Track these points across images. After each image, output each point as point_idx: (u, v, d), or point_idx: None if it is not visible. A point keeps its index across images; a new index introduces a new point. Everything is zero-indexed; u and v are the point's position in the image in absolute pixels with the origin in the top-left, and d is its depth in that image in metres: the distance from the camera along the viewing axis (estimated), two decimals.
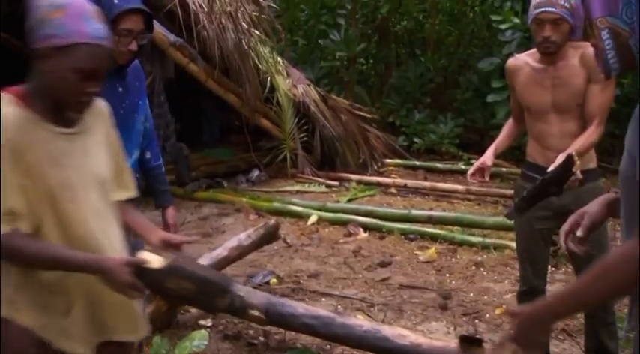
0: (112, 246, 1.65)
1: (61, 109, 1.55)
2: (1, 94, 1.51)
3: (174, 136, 6.49)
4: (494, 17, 7.68)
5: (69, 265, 1.52)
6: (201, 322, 3.43)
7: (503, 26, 7.35)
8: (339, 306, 3.75)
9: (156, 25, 5.99)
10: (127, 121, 2.22)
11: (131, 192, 1.82)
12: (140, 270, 1.52)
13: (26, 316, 1.56)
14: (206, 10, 6.24)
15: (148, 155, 2.43)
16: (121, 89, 2.21)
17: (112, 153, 1.74)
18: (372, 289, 4.01)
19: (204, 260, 3.63)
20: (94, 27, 1.48)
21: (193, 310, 3.54)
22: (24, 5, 1.58)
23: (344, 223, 5.43)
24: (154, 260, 1.57)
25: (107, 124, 1.76)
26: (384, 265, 4.43)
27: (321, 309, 3.08)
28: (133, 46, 2.12)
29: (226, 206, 6.16)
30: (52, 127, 1.54)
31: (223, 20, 6.30)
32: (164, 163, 6.57)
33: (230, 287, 2.02)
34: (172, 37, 6.08)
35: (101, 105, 1.76)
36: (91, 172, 1.63)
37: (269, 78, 6.97)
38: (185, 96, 7.61)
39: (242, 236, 3.91)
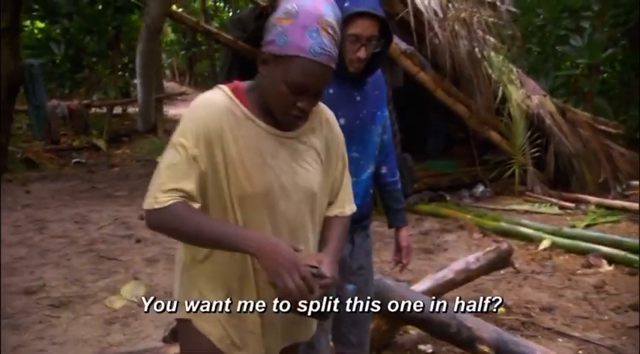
0: None
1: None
2: (219, 86, 1.49)
3: (400, 146, 6.40)
4: None
5: (230, 239, 1.37)
6: (421, 346, 3.23)
7: None
8: (580, 351, 3.24)
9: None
10: (363, 132, 2.10)
11: (343, 210, 1.69)
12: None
13: (207, 322, 1.52)
14: (439, 16, 6.05)
15: (383, 170, 2.27)
16: (358, 98, 2.08)
17: (330, 165, 1.62)
18: (623, 337, 3.40)
19: (428, 282, 3.43)
20: (316, 41, 1.37)
21: (413, 332, 3.36)
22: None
23: (583, 252, 4.79)
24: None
25: (330, 136, 1.63)
26: (636, 308, 3.76)
27: None
28: (362, 53, 1.95)
29: (449, 221, 5.90)
30: (263, 124, 1.48)
31: (457, 27, 6.05)
32: None
33: None
34: (403, 45, 6.01)
35: (327, 114, 1.65)
36: (296, 180, 1.50)
37: (501, 88, 6.52)
38: (412, 105, 7.52)
39: (470, 259, 3.62)
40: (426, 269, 4.54)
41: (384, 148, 2.23)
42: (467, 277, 3.57)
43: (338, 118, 1.97)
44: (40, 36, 13.27)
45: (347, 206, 1.71)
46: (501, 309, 3.73)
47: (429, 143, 8.15)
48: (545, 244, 5.00)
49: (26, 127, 10.74)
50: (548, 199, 6.50)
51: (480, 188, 6.90)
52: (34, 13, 12.43)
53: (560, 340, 3.38)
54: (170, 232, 1.42)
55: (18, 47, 8.61)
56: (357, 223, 2.16)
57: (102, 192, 7.66)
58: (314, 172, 1.55)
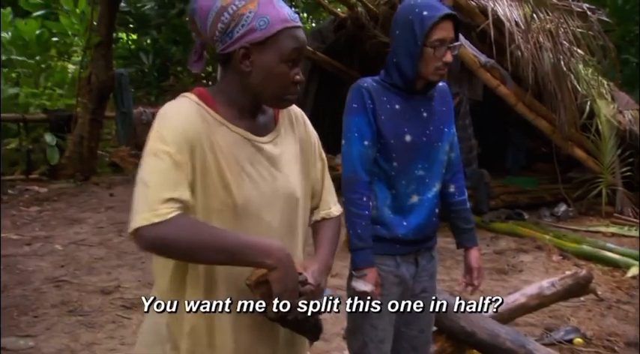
0: None
1: (252, 114, 1.42)
2: (183, 94, 1.39)
3: (477, 161, 6.20)
4: None
5: (252, 252, 1.27)
6: None
7: None
8: None
9: (467, 44, 5.87)
10: (430, 149, 2.02)
11: (329, 211, 1.61)
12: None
13: None
14: (522, 28, 5.81)
15: (451, 189, 2.17)
16: (425, 114, 2.02)
17: (308, 166, 1.54)
18: None
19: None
20: (286, 8, 1.36)
21: None
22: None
23: None
24: None
25: (304, 135, 1.56)
26: None
27: None
28: (448, 57, 1.91)
29: (526, 241, 5.62)
30: (240, 130, 1.38)
31: (541, 39, 5.79)
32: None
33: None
34: (483, 58, 5.82)
35: (296, 111, 1.58)
36: (277, 187, 1.41)
37: (589, 102, 6.17)
38: (491, 119, 7.28)
39: (545, 284, 3.41)
40: (498, 290, 4.34)
41: (451, 166, 2.15)
42: (540, 302, 3.36)
43: (404, 134, 1.98)
44: (132, 46, 13.98)
45: (333, 207, 1.63)
46: (579, 339, 3.48)
47: (509, 159, 7.84)
48: (633, 271, 4.64)
49: (114, 132, 11.30)
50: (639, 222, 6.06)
51: (562, 207, 6.54)
52: (129, 26, 13.11)
53: None
54: (174, 248, 1.26)
55: (111, 58, 9.16)
56: (421, 244, 2.11)
57: None
58: (294, 176, 1.48)
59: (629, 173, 6.41)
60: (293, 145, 1.51)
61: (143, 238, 1.25)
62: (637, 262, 4.73)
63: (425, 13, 1.88)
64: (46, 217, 6.48)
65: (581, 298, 4.10)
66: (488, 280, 4.73)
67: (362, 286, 1.93)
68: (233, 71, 1.37)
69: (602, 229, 5.98)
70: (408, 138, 1.97)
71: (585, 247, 5.16)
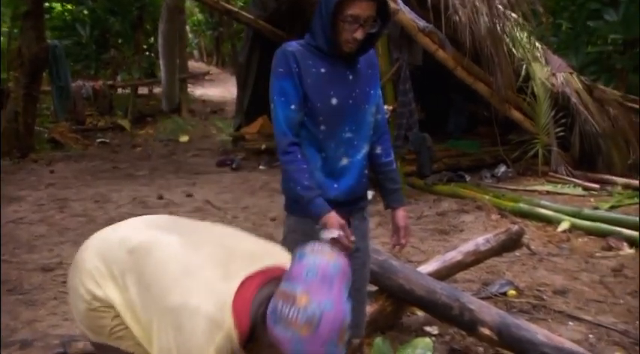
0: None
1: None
2: (224, 316, 1.34)
3: (418, 125, 6.31)
4: None
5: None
6: (427, 328, 3.19)
7: None
8: (590, 335, 3.16)
9: (405, 10, 5.90)
10: (357, 112, 2.06)
11: None
12: None
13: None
14: None
15: (378, 150, 2.22)
16: (351, 77, 2.04)
17: None
18: (637, 321, 3.30)
19: (435, 264, 3.38)
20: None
21: (420, 314, 3.32)
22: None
23: (603, 235, 4.65)
24: None
25: None
26: None
27: (566, 341, 2.59)
28: (359, 34, 1.93)
29: (467, 202, 5.79)
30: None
31: (477, 3, 5.88)
32: (406, 152, 6.48)
33: None
34: (422, 23, 5.87)
35: None
36: None
37: (524, 66, 6.33)
38: (432, 84, 7.38)
39: (480, 241, 3.54)
40: (439, 250, 4.48)
41: (378, 128, 2.19)
42: (476, 258, 3.50)
43: (330, 97, 1.99)
44: (67, 17, 13.40)
45: None
46: (512, 291, 3.66)
47: (451, 123, 8.01)
48: (563, 225, 4.88)
49: (53, 108, 10.92)
50: (572, 180, 6.33)
51: (502, 169, 6.75)
52: None
53: (571, 323, 3.29)
54: None
55: (42, 29, 8.77)
56: (353, 204, 2.15)
57: (123, 172, 7.76)
58: None
59: (562, 134, 6.65)
60: None
61: None
62: (567, 218, 4.96)
63: None
64: None
65: (517, 253, 4.29)
66: (430, 240, 4.88)
67: (328, 234, 1.91)
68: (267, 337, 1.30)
69: (538, 187, 6.22)
70: (334, 101, 1.99)
71: (522, 206, 5.36)
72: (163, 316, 1.33)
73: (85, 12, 13.08)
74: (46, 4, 10.01)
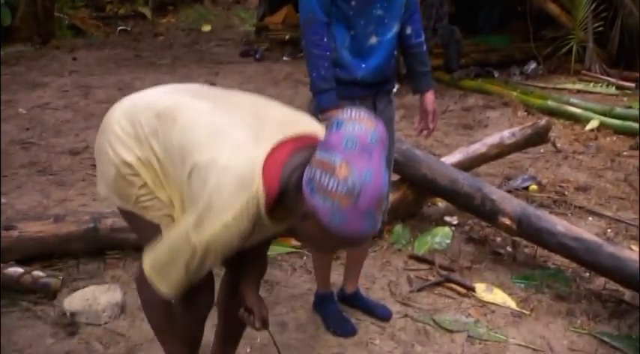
0: None
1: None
2: (254, 177, 1.31)
3: (447, 17, 6.05)
4: None
5: None
6: (447, 218, 3.23)
7: None
8: (608, 230, 3.18)
9: None
10: None
11: None
12: None
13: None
14: None
15: (408, 31, 2.13)
16: None
17: None
18: None
19: (458, 155, 3.36)
20: (370, 223, 1.24)
21: (441, 204, 3.37)
22: None
23: (633, 134, 4.56)
24: None
25: None
26: None
27: (585, 231, 2.61)
28: None
29: (494, 98, 5.68)
30: (274, 227, 1.44)
31: None
32: (434, 45, 6.25)
33: None
34: None
35: None
36: None
37: None
38: None
39: (505, 134, 3.50)
40: (462, 145, 4.44)
41: (409, 7, 2.10)
42: (500, 151, 3.47)
43: None
44: None
45: None
46: (534, 186, 3.66)
47: (482, 16, 7.65)
48: (592, 124, 4.78)
49: None
50: (607, 78, 6.10)
51: (532, 65, 6.53)
52: None
53: (590, 218, 3.32)
54: (147, 311, 1.66)
55: None
56: (380, 86, 2.11)
57: (145, 60, 7.68)
58: None
59: (601, 29, 6.33)
60: None
61: (150, 292, 1.43)
62: (597, 116, 4.84)
63: None
64: (6, 81, 6.27)
65: (541, 150, 4.25)
66: (454, 134, 4.84)
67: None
68: (299, 204, 1.26)
69: (569, 86, 6.03)
70: None
71: (550, 103, 5.24)
72: (191, 174, 1.33)
73: None
74: None
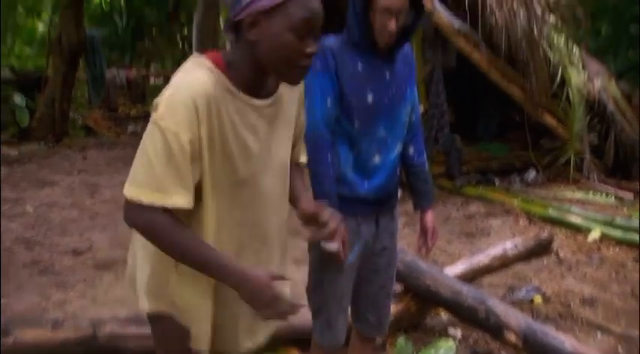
0: (278, 236, 1.53)
1: (261, 81, 1.38)
2: (200, 57, 1.35)
3: (448, 126, 6.27)
4: None
5: (211, 268, 1.34)
6: (451, 330, 3.17)
7: None
8: (619, 347, 3.11)
9: (442, 10, 5.86)
10: (392, 110, 2.03)
11: (303, 159, 1.72)
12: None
13: (190, 316, 1.45)
14: None
15: (411, 151, 2.19)
16: (388, 75, 2.01)
17: (299, 117, 1.59)
18: None
19: (462, 265, 3.36)
20: None
21: (444, 315, 3.31)
22: None
23: (636, 245, 4.57)
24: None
25: (298, 97, 1.57)
26: None
27: (593, 350, 2.56)
28: (392, 26, 1.89)
29: (495, 206, 5.74)
30: (246, 97, 1.36)
31: (515, 5, 5.80)
32: (435, 152, 6.41)
33: None
34: (457, 23, 5.82)
35: None
36: (272, 153, 1.44)
37: (560, 70, 6.23)
38: (464, 87, 7.31)
39: (508, 245, 3.52)
40: (465, 253, 4.45)
41: (412, 127, 2.16)
42: (503, 263, 3.48)
43: (366, 94, 1.96)
44: (105, 7, 13.63)
45: (302, 156, 1.72)
46: (538, 298, 3.62)
47: (481, 126, 7.92)
48: (594, 234, 4.79)
49: (87, 95, 11.11)
50: (605, 188, 6.21)
51: (532, 173, 6.66)
52: None
53: (599, 335, 3.25)
54: (157, 238, 1.32)
55: (81, 19, 8.94)
56: (383, 204, 2.13)
57: None
58: (286, 141, 1.51)
59: (596, 141, 6.53)
60: (294, 103, 1.53)
61: (138, 214, 1.30)
62: (598, 226, 4.88)
63: None
64: (16, 179, 6.41)
65: (544, 261, 4.24)
66: (457, 243, 4.85)
67: (330, 245, 1.90)
68: (243, 40, 1.32)
69: (569, 194, 6.11)
70: (370, 98, 1.96)
71: (551, 212, 5.29)
72: None
73: (122, 2, 13.27)
74: None
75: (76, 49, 8.66)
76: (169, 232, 1.30)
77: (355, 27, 1.94)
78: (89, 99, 10.13)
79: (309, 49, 1.32)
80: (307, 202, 1.57)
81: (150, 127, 1.30)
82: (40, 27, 10.32)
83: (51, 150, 8.12)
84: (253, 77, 1.36)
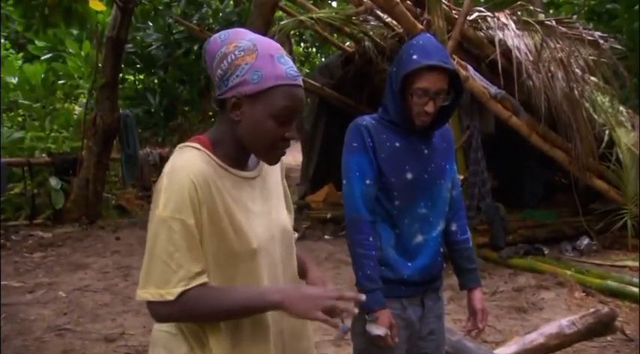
0: None
1: (245, 155, 1.43)
2: (184, 144, 1.41)
3: (490, 195, 6.01)
4: None
5: (254, 303, 1.33)
6: None
7: None
8: None
9: (476, 76, 5.75)
10: (432, 187, 1.97)
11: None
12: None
13: None
14: (532, 58, 5.69)
15: (453, 227, 2.10)
16: (426, 151, 1.97)
17: (285, 198, 1.61)
18: None
19: (515, 346, 3.05)
20: (287, 65, 1.34)
21: None
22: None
23: None
24: None
25: (280, 170, 1.60)
26: None
27: None
28: (430, 108, 1.87)
29: (547, 277, 5.38)
30: (236, 171, 1.41)
31: (552, 68, 5.66)
32: (478, 222, 6.14)
33: None
34: (494, 89, 5.69)
35: None
36: (273, 221, 1.47)
37: (607, 131, 5.98)
38: (504, 150, 7.10)
39: (564, 322, 3.20)
40: (517, 330, 4.12)
41: (453, 204, 2.08)
42: (561, 342, 3.15)
43: (405, 172, 1.93)
44: (138, 87, 14.02)
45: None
46: None
47: (526, 192, 7.62)
48: None
49: (120, 175, 11.23)
50: None
51: (585, 241, 6.28)
52: (135, 66, 13.15)
53: None
54: (192, 319, 1.36)
55: (116, 100, 9.14)
56: (428, 284, 2.04)
57: None
58: (282, 207, 1.53)
59: None
60: (274, 177, 1.55)
61: (155, 313, 1.35)
62: None
63: (414, 57, 1.84)
64: (50, 263, 6.34)
65: (609, 338, 3.85)
66: (507, 319, 4.50)
67: (376, 329, 1.86)
68: (226, 118, 1.38)
69: (629, 263, 5.71)
70: (409, 176, 1.93)
71: (610, 283, 4.91)
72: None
73: (156, 81, 13.63)
74: (120, 75, 10.47)
75: (110, 129, 8.80)
76: (203, 304, 1.32)
77: (393, 107, 1.93)
78: (122, 179, 10.19)
79: (288, 134, 1.37)
80: (314, 272, 1.59)
81: (154, 225, 1.32)
82: (77, 110, 10.58)
83: (84, 231, 8.08)
84: (237, 152, 1.41)
